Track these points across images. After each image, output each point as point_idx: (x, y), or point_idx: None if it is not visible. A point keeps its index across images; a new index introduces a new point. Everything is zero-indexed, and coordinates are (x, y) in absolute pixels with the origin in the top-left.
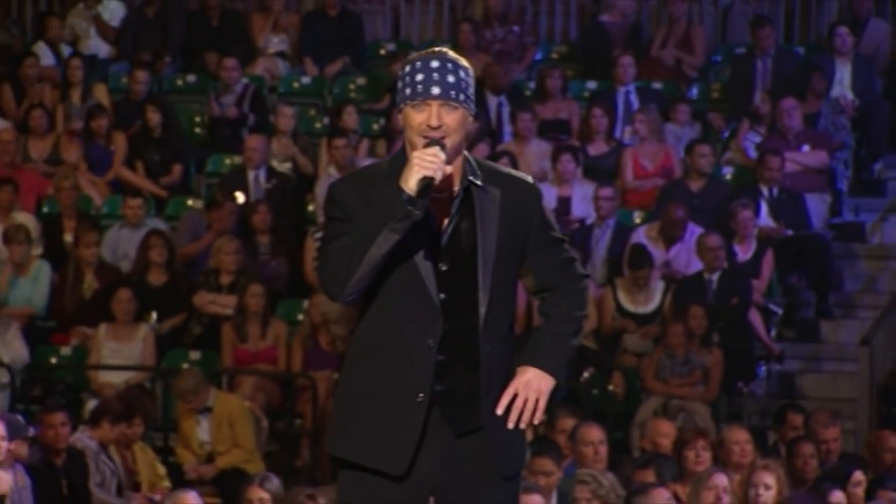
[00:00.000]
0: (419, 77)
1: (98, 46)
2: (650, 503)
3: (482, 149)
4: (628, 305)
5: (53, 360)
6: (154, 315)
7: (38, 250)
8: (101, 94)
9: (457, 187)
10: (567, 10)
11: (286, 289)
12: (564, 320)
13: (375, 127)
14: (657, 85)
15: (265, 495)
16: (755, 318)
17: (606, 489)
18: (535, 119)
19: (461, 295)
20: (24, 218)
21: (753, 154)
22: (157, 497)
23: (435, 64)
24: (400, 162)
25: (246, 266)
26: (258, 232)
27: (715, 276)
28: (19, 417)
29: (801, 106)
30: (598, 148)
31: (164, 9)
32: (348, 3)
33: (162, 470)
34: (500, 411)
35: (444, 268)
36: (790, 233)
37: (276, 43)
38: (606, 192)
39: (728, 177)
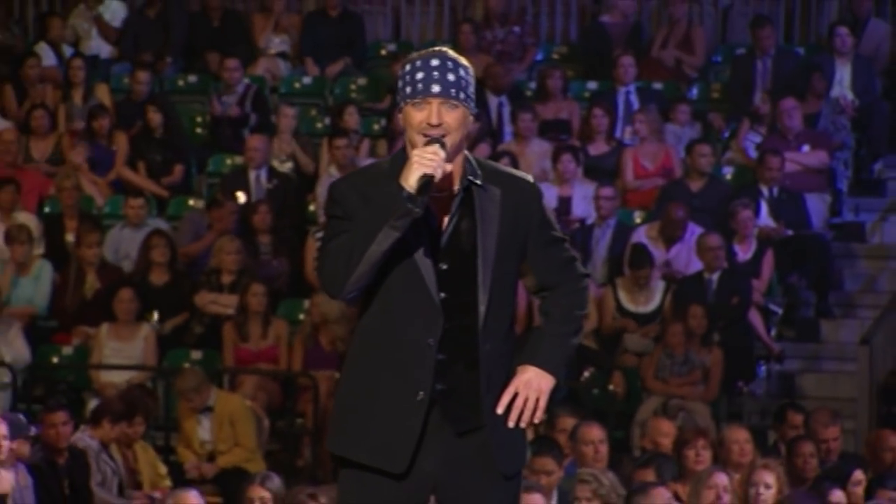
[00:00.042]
0: (419, 75)
1: (99, 47)
2: (650, 502)
3: (483, 149)
4: (629, 305)
5: (55, 360)
6: (155, 315)
7: (39, 250)
8: (102, 94)
9: (457, 186)
10: (567, 10)
11: (287, 288)
12: (565, 319)
13: (376, 127)
14: (657, 85)
15: (266, 494)
16: (755, 317)
17: (607, 488)
18: (536, 119)
19: (461, 294)
20: (26, 218)
21: (753, 154)
22: (158, 495)
23: (435, 62)
24: (400, 161)
25: (247, 266)
26: (259, 232)
27: (715, 276)
28: (21, 417)
29: (801, 106)
30: (598, 148)
31: (165, 9)
32: (349, 3)
33: (163, 469)
34: (500, 410)
35: (444, 267)
36: (790, 233)
37: (277, 43)
38: (607, 191)
39: (728, 177)
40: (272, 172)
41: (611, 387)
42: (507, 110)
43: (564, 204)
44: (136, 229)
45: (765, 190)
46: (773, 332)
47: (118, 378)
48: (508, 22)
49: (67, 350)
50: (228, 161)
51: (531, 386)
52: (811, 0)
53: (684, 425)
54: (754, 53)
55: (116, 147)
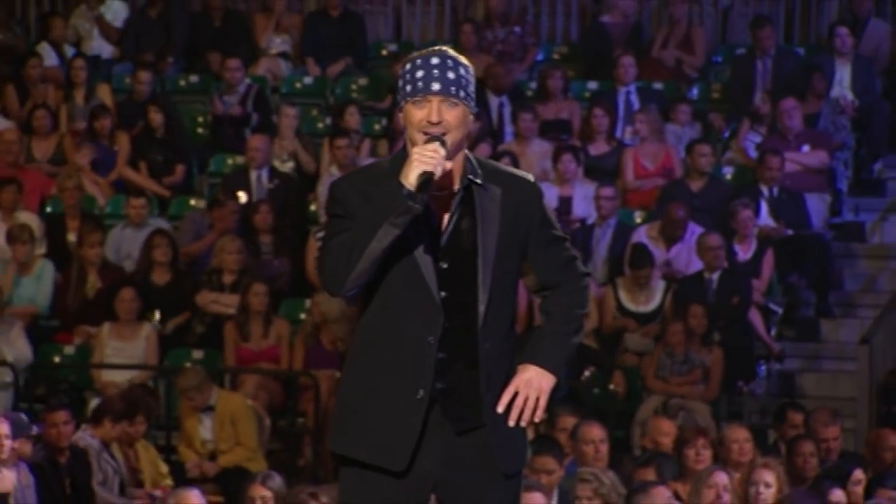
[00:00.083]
0: (419, 74)
1: (101, 47)
2: (651, 501)
3: (484, 149)
4: (629, 304)
5: (57, 359)
6: (157, 314)
7: (41, 250)
8: (104, 94)
9: (458, 185)
10: (568, 10)
11: (288, 288)
12: (565, 318)
13: (377, 127)
14: (658, 85)
15: (267, 493)
16: (755, 317)
17: (608, 487)
18: (537, 119)
19: (461, 293)
20: (28, 218)
21: (754, 154)
22: (159, 494)
23: (435, 61)
24: (401, 160)
25: (248, 265)
26: (260, 231)
27: (715, 276)
28: (23, 416)
29: (801, 106)
30: (598, 148)
31: (166, 9)
32: (350, 3)
33: (164, 468)
34: (500, 409)
35: (444, 266)
36: (790, 232)
37: (278, 43)
38: (607, 191)
39: (728, 177)
40: (273, 172)
41: (611, 386)
42: (507, 110)
43: (565, 204)
44: (137, 229)
45: (765, 190)
46: (774, 332)
47: (120, 377)
48: (509, 22)
49: (69, 349)
50: (230, 161)
51: (531, 385)
52: (811, 0)
53: (684, 424)
54: (754, 53)
55: (118, 147)
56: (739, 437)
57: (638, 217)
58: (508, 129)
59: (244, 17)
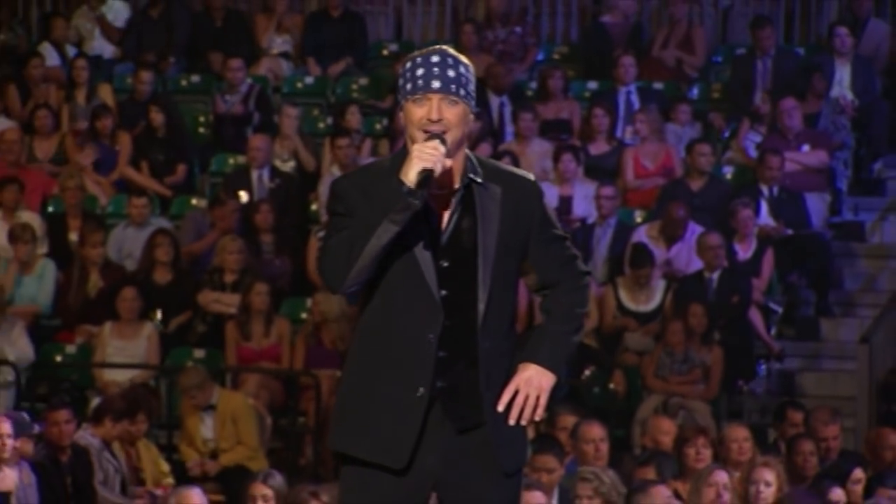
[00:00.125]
0: (419, 72)
1: (103, 47)
2: (651, 500)
3: (484, 148)
4: (629, 304)
5: (58, 359)
6: (159, 313)
7: (43, 249)
8: (105, 94)
9: (458, 184)
10: (568, 10)
11: (289, 287)
12: (565, 317)
13: (378, 127)
14: (658, 85)
15: (268, 492)
16: (755, 316)
17: (608, 486)
18: (537, 119)
19: (461, 291)
20: (30, 217)
21: (754, 153)
22: (160, 492)
23: (435, 59)
24: (402, 158)
25: (249, 265)
26: (261, 231)
27: (715, 275)
28: (25, 415)
29: (801, 106)
30: (599, 147)
31: (168, 9)
32: (351, 3)
33: (166, 467)
34: (501, 408)
35: (444, 264)
36: (790, 232)
37: (279, 43)
38: (607, 191)
39: (728, 176)
40: (274, 172)
41: (611, 385)
42: (508, 110)
43: (565, 203)
44: (139, 228)
45: (765, 189)
46: (774, 331)
47: (121, 376)
48: (510, 22)
49: (71, 349)
50: (231, 161)
51: (532, 384)
52: (811, 0)
53: (685, 424)
54: (754, 53)
55: (119, 147)
56: (739, 436)
57: (638, 216)
58: (509, 128)
59: (245, 17)
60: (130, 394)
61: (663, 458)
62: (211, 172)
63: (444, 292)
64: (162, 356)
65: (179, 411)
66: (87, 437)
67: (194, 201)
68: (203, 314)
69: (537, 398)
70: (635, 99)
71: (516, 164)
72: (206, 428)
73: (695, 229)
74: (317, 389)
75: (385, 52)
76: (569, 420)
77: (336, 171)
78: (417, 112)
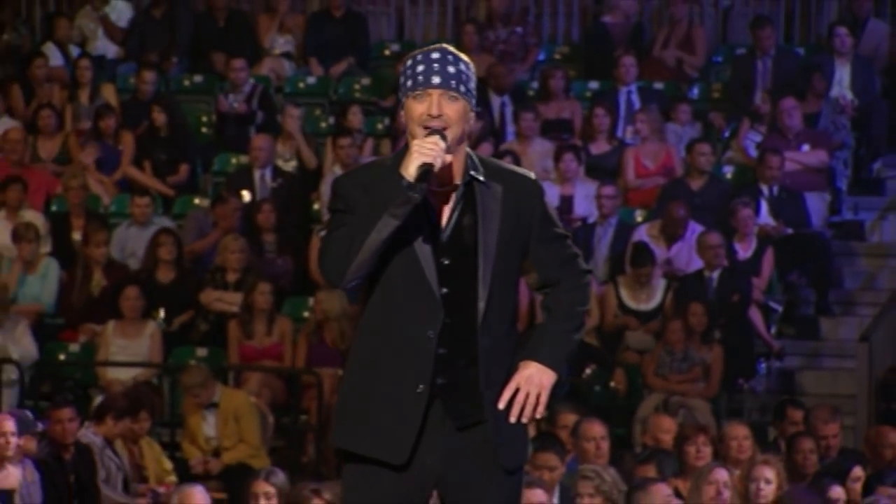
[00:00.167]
0: (420, 68)
1: (106, 47)
2: (651, 498)
3: (486, 148)
4: (630, 303)
5: (62, 357)
6: (161, 312)
7: (46, 248)
8: (108, 94)
9: (459, 182)
10: (569, 11)
11: (291, 286)
12: (566, 315)
13: (380, 126)
14: (658, 85)
15: (271, 489)
16: (755, 315)
17: (609, 484)
18: (538, 119)
19: (461, 289)
20: (33, 216)
21: (754, 153)
22: (163, 490)
23: (436, 56)
24: (403, 156)
25: (252, 264)
26: (264, 230)
27: (715, 274)
28: (28, 413)
29: (800, 106)
30: (600, 147)
31: (171, 10)
32: (353, 4)
33: (168, 465)
34: (501, 406)
35: (445, 262)
36: (790, 231)
37: (281, 43)
38: (608, 190)
39: (728, 175)
40: (277, 171)
41: (612, 384)
42: (509, 110)
43: (566, 203)
44: (142, 228)
45: (765, 189)
46: (774, 330)
47: (124, 375)
48: (511, 22)
49: (74, 347)
50: (233, 160)
51: (532, 381)
52: (811, 0)
53: (685, 422)
54: (754, 53)
55: (122, 146)
56: (739, 434)
57: (639, 216)
58: (510, 128)
59: (248, 18)
60: (132, 392)
61: (664, 456)
62: (213, 172)
63: (444, 290)
64: (165, 355)
65: (182, 409)
66: (90, 435)
67: (197, 201)
68: (205, 313)
69: (538, 396)
70: (636, 99)
71: (518, 163)
72: (208, 426)
73: (695, 228)
74: (319, 388)
75: (387, 52)
76: (570, 418)
77: (338, 171)
78: (418, 108)
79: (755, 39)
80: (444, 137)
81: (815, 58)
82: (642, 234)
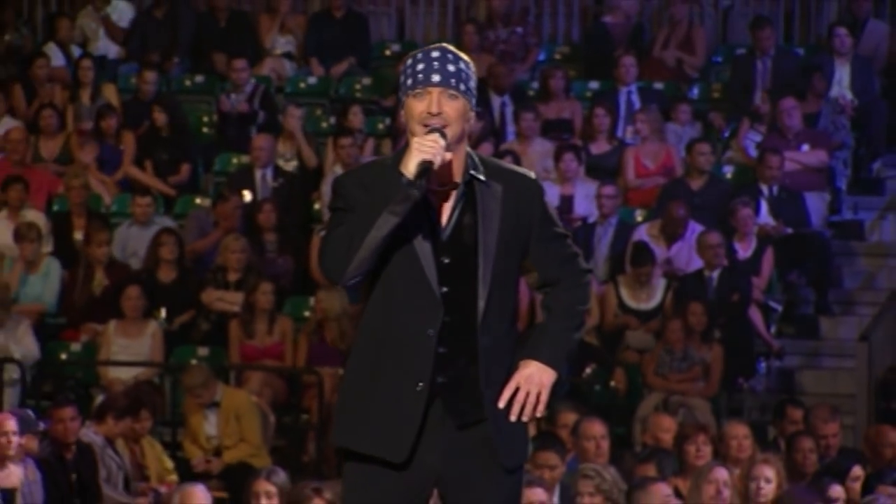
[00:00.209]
0: (420, 66)
1: (107, 47)
2: (650, 498)
3: (486, 148)
4: (630, 302)
5: (63, 357)
6: (163, 312)
7: (48, 248)
8: (110, 94)
9: (459, 181)
10: (570, 11)
11: (292, 286)
12: (566, 314)
13: (381, 126)
14: (658, 85)
15: (272, 488)
16: (755, 314)
17: (609, 483)
18: (538, 118)
19: (461, 288)
20: (35, 216)
21: (754, 153)
22: (164, 489)
23: (436, 54)
24: (403, 155)
25: (253, 264)
26: (264, 230)
27: (715, 274)
28: (30, 412)
29: (800, 106)
30: (600, 147)
31: (172, 10)
32: (354, 4)
33: (170, 464)
34: (501, 405)
35: (445, 261)
36: (790, 231)
37: (282, 44)
38: (608, 190)
39: (728, 175)
40: (278, 171)
41: (612, 383)
42: (509, 110)
43: (566, 202)
44: (143, 227)
45: (765, 188)
46: (773, 329)
47: (126, 374)
48: (511, 22)
49: (76, 347)
50: (234, 160)
51: (532, 380)
52: (811, 1)
53: (685, 421)
54: (754, 53)
55: (124, 146)
56: (739, 434)
57: (639, 215)
58: (510, 128)
59: (249, 18)
60: (133, 392)
61: (664, 455)
62: (215, 172)
63: (444, 289)
64: (166, 354)
65: (183, 409)
66: (90, 434)
67: (198, 200)
68: (207, 312)
69: (538, 395)
70: (636, 99)
71: (518, 163)
72: (209, 425)
73: (695, 228)
74: (319, 387)
75: (387, 53)
76: (570, 417)
77: (339, 171)
78: (418, 107)
79: (755, 39)
80: (443, 135)
81: (814, 58)
82: (642, 233)
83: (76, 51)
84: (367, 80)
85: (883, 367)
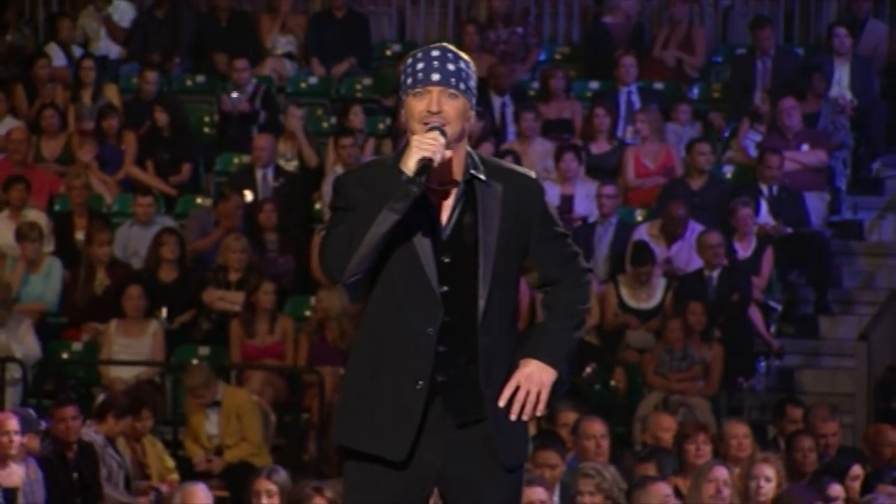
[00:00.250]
0: (420, 66)
1: (108, 47)
2: (650, 497)
3: (487, 148)
4: (630, 301)
5: (65, 356)
6: (164, 311)
7: (49, 247)
8: (111, 94)
9: (459, 181)
10: (570, 11)
11: (293, 285)
12: (566, 313)
13: (381, 126)
14: (658, 85)
15: (273, 487)
16: (755, 314)
17: (609, 482)
18: (539, 118)
19: (461, 287)
20: (36, 216)
21: (753, 153)
22: (164, 487)
23: (436, 53)
24: (403, 154)
25: (254, 263)
26: (265, 230)
27: (715, 273)
28: (31, 412)
29: (800, 105)
30: (600, 147)
31: (173, 10)
32: (355, 4)
33: (171, 463)
34: (502, 404)
35: (446, 260)
36: (790, 230)
37: (283, 44)
38: (609, 190)
39: (728, 175)
40: (278, 171)
41: (612, 382)
42: (510, 110)
43: (567, 202)
44: (144, 227)
45: (764, 188)
46: (773, 329)
47: (127, 373)
48: (512, 23)
49: (77, 346)
50: (236, 160)
51: (532, 379)
52: (810, 1)
53: (685, 420)
54: (754, 54)
55: (125, 146)
56: (739, 433)
57: (639, 215)
58: (511, 128)
59: (250, 18)
60: (134, 391)
61: (664, 454)
62: (216, 172)
63: (444, 288)
64: (167, 353)
65: (184, 408)
66: (91, 433)
67: (199, 200)
68: (208, 312)
69: (538, 394)
70: (636, 99)
71: (518, 163)
72: (210, 424)
73: (695, 228)
74: (320, 386)
75: (388, 53)
76: (570, 416)
77: (339, 170)
78: (418, 106)
79: (755, 39)
80: (443, 133)
81: (814, 58)
82: (642, 233)
83: (77, 51)
84: (367, 81)
85: (882, 366)
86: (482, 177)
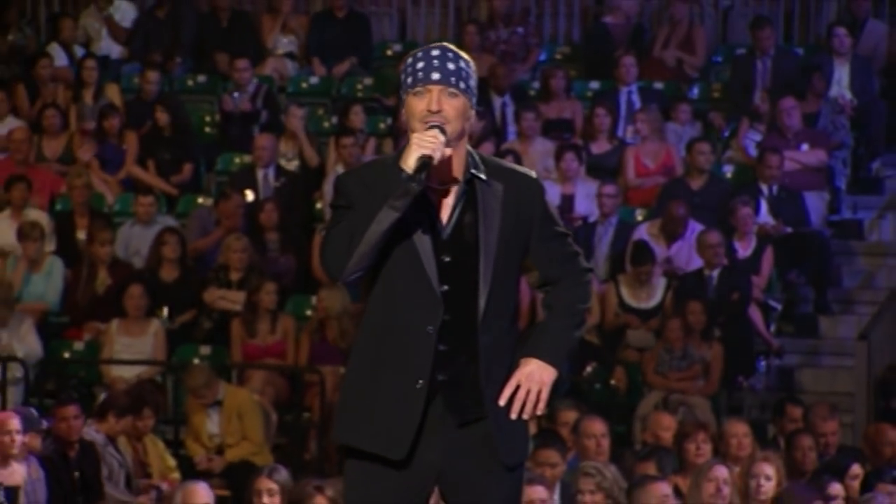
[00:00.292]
0: (420, 65)
1: (110, 47)
2: (649, 496)
3: (487, 147)
4: (630, 301)
5: (66, 355)
6: (165, 311)
7: (51, 247)
8: (113, 94)
9: (460, 180)
10: (570, 11)
11: (294, 285)
12: (567, 313)
13: (382, 126)
14: (659, 85)
15: (274, 486)
16: (755, 313)
17: (609, 481)
18: (539, 118)
19: (462, 286)
20: (38, 215)
21: (753, 152)
22: (165, 486)
23: (436, 53)
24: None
25: (255, 263)
26: (266, 229)
27: (715, 273)
28: (33, 411)
29: (800, 105)
30: (600, 146)
31: (174, 10)
32: (356, 4)
33: (172, 462)
34: (502, 403)
35: (446, 259)
36: (789, 230)
37: (284, 44)
38: (609, 189)
39: (728, 175)
40: (280, 171)
41: (612, 381)
42: (510, 110)
43: (567, 202)
44: (145, 227)
45: (764, 188)
46: (773, 328)
47: (128, 373)
48: (512, 23)
49: (79, 345)
50: (237, 160)
51: (533, 378)
52: (810, 1)
53: (685, 419)
54: (754, 53)
55: (127, 146)
56: (739, 432)
57: (639, 215)
58: (511, 128)
59: (251, 18)
60: (135, 390)
61: (664, 453)
62: (217, 171)
63: (444, 287)
64: (168, 353)
65: (186, 407)
66: (91, 432)
67: (200, 200)
68: (209, 311)
69: (538, 393)
70: (636, 98)
71: (519, 163)
72: (211, 423)
73: (695, 227)
74: (321, 385)
75: (389, 53)
76: (570, 415)
77: (340, 170)
78: (418, 105)
79: (755, 39)
80: (443, 131)
81: (814, 58)
82: (642, 232)
83: (79, 51)
84: (368, 80)
85: (882, 365)
86: (483, 176)
